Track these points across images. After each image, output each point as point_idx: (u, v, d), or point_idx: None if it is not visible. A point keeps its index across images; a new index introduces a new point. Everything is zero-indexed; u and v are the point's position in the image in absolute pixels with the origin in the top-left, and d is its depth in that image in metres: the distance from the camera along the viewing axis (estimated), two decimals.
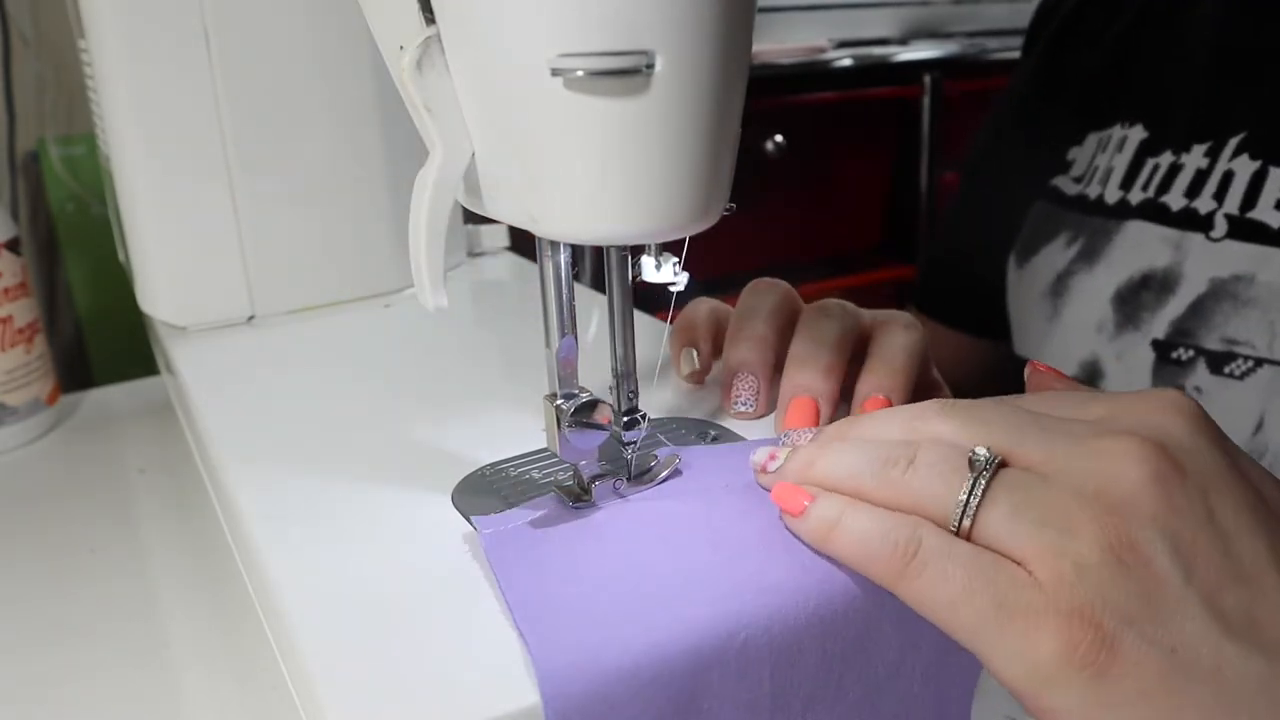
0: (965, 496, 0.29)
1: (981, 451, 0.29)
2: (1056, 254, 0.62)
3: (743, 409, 0.41)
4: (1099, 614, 0.26)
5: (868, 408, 0.39)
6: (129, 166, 0.53)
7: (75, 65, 0.62)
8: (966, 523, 0.29)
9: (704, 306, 0.46)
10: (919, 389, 0.45)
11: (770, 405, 0.42)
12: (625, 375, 0.36)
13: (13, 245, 0.63)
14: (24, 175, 0.96)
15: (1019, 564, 0.28)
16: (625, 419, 0.36)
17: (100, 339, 0.97)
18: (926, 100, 1.66)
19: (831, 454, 0.32)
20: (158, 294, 0.55)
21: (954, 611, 0.28)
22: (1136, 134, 0.60)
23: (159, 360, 0.63)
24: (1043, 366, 0.40)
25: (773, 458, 0.34)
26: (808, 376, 0.40)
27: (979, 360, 0.75)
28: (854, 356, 0.42)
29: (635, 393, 0.36)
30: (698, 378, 0.44)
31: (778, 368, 0.42)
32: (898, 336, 0.41)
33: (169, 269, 0.55)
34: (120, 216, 0.57)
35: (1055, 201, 0.64)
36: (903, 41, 1.82)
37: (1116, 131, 0.61)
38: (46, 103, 0.95)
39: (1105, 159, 0.61)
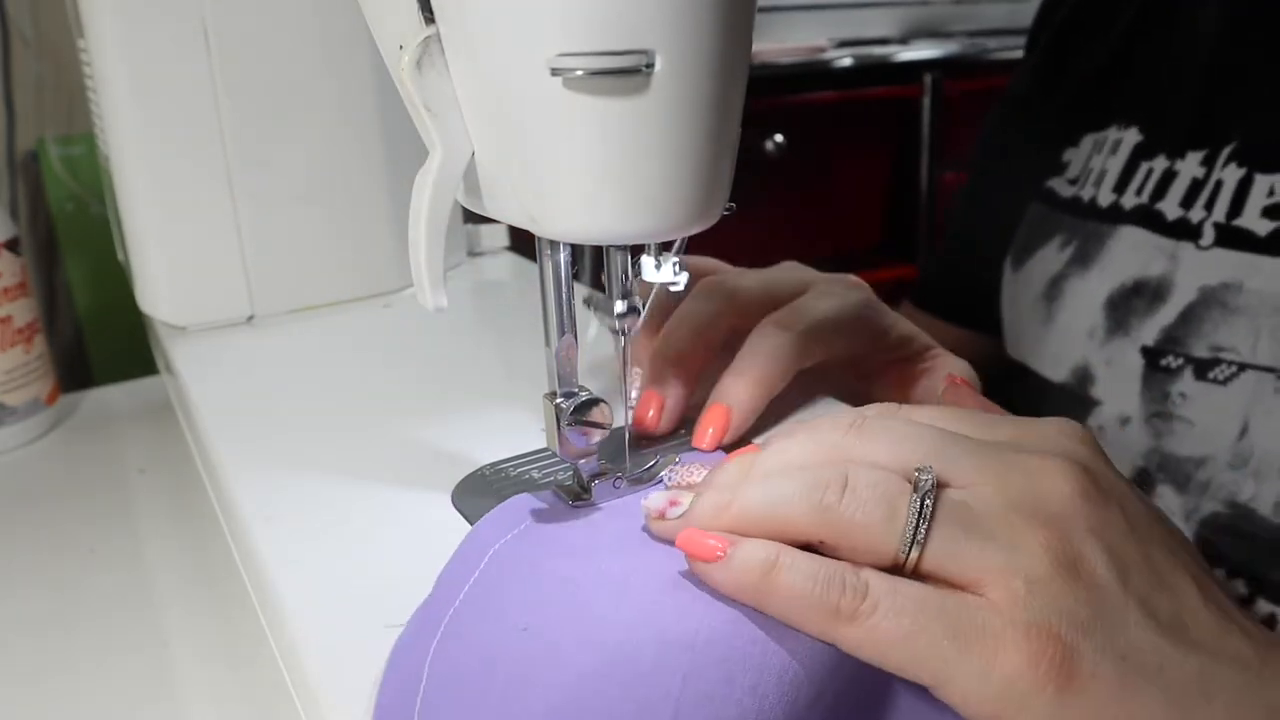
0: (913, 522, 0.28)
1: (926, 474, 0.28)
2: (1050, 257, 0.62)
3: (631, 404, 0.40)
4: (1057, 626, 0.26)
5: (706, 414, 0.39)
6: (128, 166, 0.53)
7: (75, 65, 0.62)
8: (915, 551, 0.28)
9: (687, 329, 0.42)
10: (878, 352, 0.46)
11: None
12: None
13: (12, 245, 0.63)
14: (23, 175, 0.96)
15: (964, 588, 0.27)
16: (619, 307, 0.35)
17: (100, 339, 0.97)
18: (926, 100, 1.66)
19: (752, 488, 0.30)
20: (157, 294, 0.55)
21: (909, 649, 0.27)
22: (1131, 136, 0.60)
23: (158, 360, 0.63)
24: (960, 380, 0.40)
25: (674, 504, 0.31)
26: (728, 388, 0.39)
27: (977, 353, 0.75)
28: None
29: (630, 277, 0.35)
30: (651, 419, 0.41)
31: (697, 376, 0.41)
32: (767, 337, 0.40)
33: (169, 269, 0.55)
34: (120, 216, 0.57)
35: (1050, 204, 0.64)
36: (903, 41, 1.83)
37: (1112, 133, 0.61)
38: (46, 102, 0.95)
39: (1100, 161, 0.61)
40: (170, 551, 0.53)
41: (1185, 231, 0.54)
